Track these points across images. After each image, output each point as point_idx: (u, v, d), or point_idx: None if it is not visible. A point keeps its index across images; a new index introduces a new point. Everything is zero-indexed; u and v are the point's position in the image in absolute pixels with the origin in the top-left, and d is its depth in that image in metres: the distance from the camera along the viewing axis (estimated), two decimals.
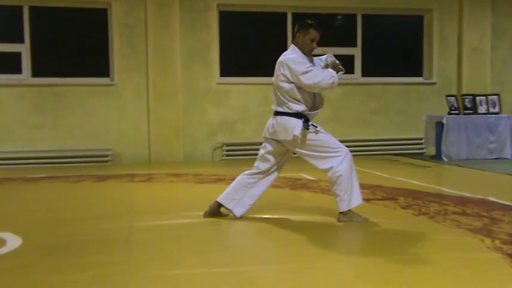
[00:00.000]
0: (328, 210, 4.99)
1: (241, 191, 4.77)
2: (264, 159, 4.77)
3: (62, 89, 9.61)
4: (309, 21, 4.67)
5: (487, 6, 10.95)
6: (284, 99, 4.59)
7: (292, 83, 4.53)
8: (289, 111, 4.57)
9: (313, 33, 4.63)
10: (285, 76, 4.55)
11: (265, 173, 4.78)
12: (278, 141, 4.68)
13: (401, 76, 11.04)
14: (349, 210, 4.62)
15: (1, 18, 9.88)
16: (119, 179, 7.55)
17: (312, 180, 7.10)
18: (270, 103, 10.95)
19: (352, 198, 4.60)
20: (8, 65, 9.51)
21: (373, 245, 4.00)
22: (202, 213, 4.88)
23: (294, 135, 4.48)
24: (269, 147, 4.73)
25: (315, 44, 4.67)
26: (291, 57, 4.60)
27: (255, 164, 4.81)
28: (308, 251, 3.78)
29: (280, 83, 4.58)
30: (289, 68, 4.53)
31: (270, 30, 10.69)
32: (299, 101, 4.57)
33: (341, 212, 4.64)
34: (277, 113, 4.64)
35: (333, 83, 4.53)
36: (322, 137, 4.62)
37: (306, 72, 4.48)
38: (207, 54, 10.07)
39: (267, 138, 4.75)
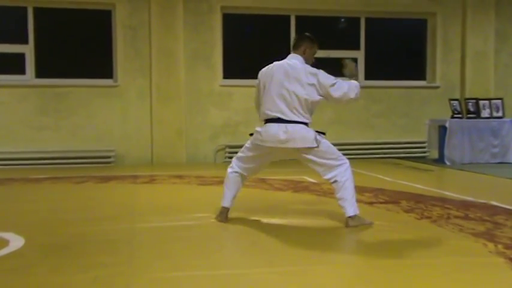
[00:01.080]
0: (330, 213, 4.99)
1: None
2: (250, 163, 4.73)
3: (65, 90, 9.64)
4: (312, 37, 4.70)
5: (491, 10, 10.94)
6: (299, 108, 4.46)
7: (321, 95, 4.47)
8: (304, 120, 4.48)
9: (316, 49, 4.70)
10: (314, 86, 4.45)
11: (245, 176, 4.82)
12: (280, 150, 4.59)
13: (404, 79, 11.04)
14: (356, 214, 4.60)
15: (6, 19, 9.91)
16: (121, 180, 7.56)
17: (314, 183, 7.09)
18: None
19: (356, 203, 4.60)
20: (12, 66, 9.54)
21: (374, 248, 3.99)
22: (204, 215, 4.89)
23: (316, 143, 4.43)
24: (262, 156, 4.67)
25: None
26: (316, 70, 4.52)
27: (239, 164, 4.77)
28: (310, 254, 3.78)
29: (304, 91, 4.44)
30: (318, 80, 4.45)
31: (273, 32, 10.69)
32: (311, 113, 4.55)
33: (349, 217, 4.58)
34: (285, 121, 4.47)
35: (357, 93, 4.54)
36: (329, 145, 4.61)
37: (334, 85, 4.44)
38: (210, 56, 10.08)
39: (270, 147, 4.59)
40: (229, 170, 4.83)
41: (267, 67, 4.75)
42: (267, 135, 4.56)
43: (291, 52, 4.72)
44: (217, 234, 4.43)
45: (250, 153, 4.74)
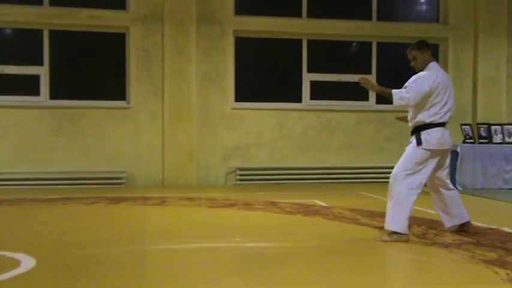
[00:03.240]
0: (341, 237, 4.99)
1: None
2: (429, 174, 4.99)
3: (79, 112, 9.74)
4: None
5: (503, 35, 10.97)
6: None
7: None
8: None
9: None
10: None
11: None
12: (446, 153, 5.04)
13: None
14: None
15: (22, 41, 10.10)
16: (132, 202, 7.59)
17: (324, 207, 7.07)
18: (284, 128, 11.01)
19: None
20: (27, 87, 9.68)
21: (386, 274, 3.97)
22: (215, 237, 4.90)
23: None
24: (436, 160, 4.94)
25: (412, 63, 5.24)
26: None
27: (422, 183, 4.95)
28: (321, 279, 3.77)
29: None
30: None
31: (285, 56, 10.77)
32: None
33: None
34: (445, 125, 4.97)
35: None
36: None
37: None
38: (222, 79, 10.17)
39: (445, 149, 4.99)
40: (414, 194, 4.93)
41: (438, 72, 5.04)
42: (446, 138, 4.96)
43: (433, 61, 5.20)
44: (227, 258, 4.42)
45: (428, 164, 4.93)
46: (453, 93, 5.04)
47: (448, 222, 5.23)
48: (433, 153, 4.91)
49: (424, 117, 4.92)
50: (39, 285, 3.55)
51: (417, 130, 4.95)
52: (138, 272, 3.92)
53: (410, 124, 5.08)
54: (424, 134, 4.90)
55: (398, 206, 4.85)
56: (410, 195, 4.87)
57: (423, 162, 4.89)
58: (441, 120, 4.93)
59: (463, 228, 5.22)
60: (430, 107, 4.90)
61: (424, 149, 4.88)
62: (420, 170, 4.89)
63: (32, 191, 8.91)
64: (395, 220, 4.86)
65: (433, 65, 5.11)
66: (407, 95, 4.88)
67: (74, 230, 5.52)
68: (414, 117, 5.00)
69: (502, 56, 10.98)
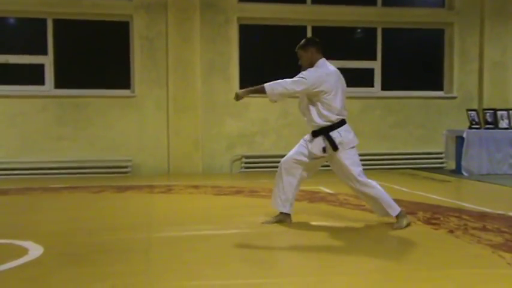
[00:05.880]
0: (347, 223, 4.98)
1: None
2: None
3: (84, 101, 9.75)
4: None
5: (509, 20, 10.88)
6: None
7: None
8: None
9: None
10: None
11: None
12: None
13: (421, 90, 10.99)
14: None
15: (26, 30, 10.08)
16: (138, 190, 7.62)
17: (330, 194, 7.08)
18: (289, 116, 10.97)
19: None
20: (32, 77, 9.70)
21: (392, 260, 3.97)
22: (220, 225, 4.90)
23: None
24: None
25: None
26: None
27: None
28: (327, 264, 3.78)
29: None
30: None
31: (289, 43, 10.68)
32: None
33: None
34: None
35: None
36: None
37: None
38: (226, 67, 10.14)
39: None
40: (374, 182, 4.97)
41: (331, 70, 4.98)
42: (354, 134, 5.02)
43: (322, 57, 5.05)
44: (232, 244, 4.43)
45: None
46: (345, 91, 5.02)
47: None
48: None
49: (329, 116, 4.83)
50: (47, 273, 3.58)
51: (324, 132, 4.85)
52: (144, 259, 3.94)
53: (312, 124, 4.92)
54: (336, 137, 4.81)
55: (383, 196, 4.90)
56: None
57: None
58: (344, 117, 4.92)
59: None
60: (330, 104, 4.82)
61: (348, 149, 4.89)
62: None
63: (38, 180, 8.96)
64: (392, 205, 4.91)
65: (321, 62, 4.99)
66: (304, 79, 4.81)
67: (81, 218, 5.55)
68: (316, 117, 4.87)
69: (508, 41, 10.89)
